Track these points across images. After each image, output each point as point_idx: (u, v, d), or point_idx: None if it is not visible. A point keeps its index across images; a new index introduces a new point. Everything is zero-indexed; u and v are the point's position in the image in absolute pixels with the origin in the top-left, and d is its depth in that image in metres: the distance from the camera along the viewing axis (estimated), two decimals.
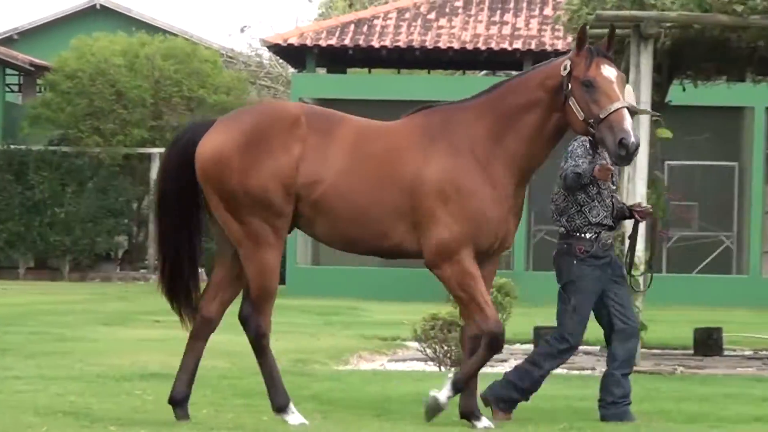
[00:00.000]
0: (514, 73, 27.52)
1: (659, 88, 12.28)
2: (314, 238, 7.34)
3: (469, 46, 24.25)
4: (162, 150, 26.02)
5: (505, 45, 24.25)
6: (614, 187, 7.80)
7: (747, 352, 13.48)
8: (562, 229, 7.67)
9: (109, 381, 8.83)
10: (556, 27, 22.39)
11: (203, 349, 7.29)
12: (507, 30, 24.66)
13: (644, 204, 7.78)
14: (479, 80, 27.30)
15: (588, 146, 7.49)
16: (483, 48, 24.24)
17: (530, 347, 13.32)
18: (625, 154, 6.89)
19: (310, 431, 6.96)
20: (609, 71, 7.05)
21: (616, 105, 6.96)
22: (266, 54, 32.53)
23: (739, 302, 21.33)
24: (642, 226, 8.80)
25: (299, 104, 7.29)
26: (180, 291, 7.30)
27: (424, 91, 23.29)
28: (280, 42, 24.49)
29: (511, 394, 7.55)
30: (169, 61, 26.15)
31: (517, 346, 13.66)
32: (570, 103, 7.04)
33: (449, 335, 10.64)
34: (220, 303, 7.25)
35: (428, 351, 10.84)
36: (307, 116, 7.13)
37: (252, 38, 45.89)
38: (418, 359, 11.67)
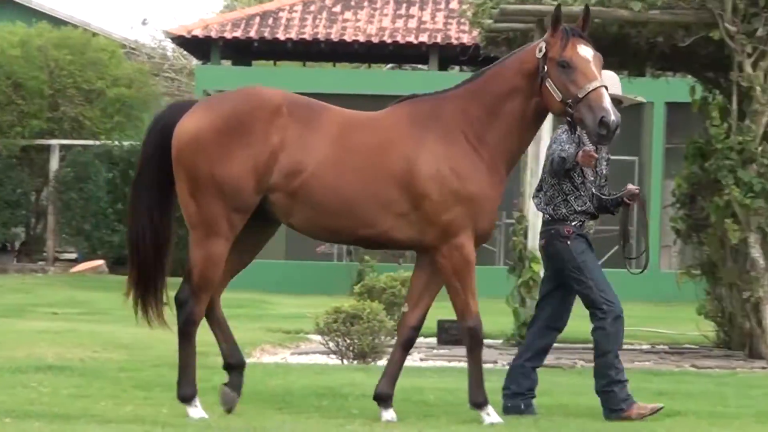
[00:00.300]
0: (420, 66, 27.75)
1: None
2: (291, 227, 7.18)
3: (375, 40, 24.24)
4: (61, 142, 25.67)
5: (411, 38, 24.27)
6: (604, 173, 7.76)
7: (644, 346, 13.64)
8: (548, 216, 7.63)
9: (5, 373, 8.64)
10: (462, 21, 22.47)
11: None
12: (413, 23, 24.70)
13: (630, 186, 7.79)
14: (385, 74, 27.32)
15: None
16: (389, 41, 24.25)
17: (434, 340, 13.36)
18: (606, 133, 6.77)
19: (211, 424, 6.88)
20: (585, 51, 6.98)
21: (595, 84, 6.86)
22: (170, 46, 32.16)
23: (637, 296, 21.55)
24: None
25: (282, 92, 7.12)
26: (148, 284, 7.16)
27: (330, 83, 23.22)
28: (185, 34, 24.24)
29: (613, 389, 7.46)
30: (63, 51, 25.68)
31: (421, 339, 13.67)
32: (547, 84, 6.95)
33: (352, 328, 10.62)
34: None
35: (331, 344, 10.80)
36: (289, 105, 7.02)
37: (156, 30, 45.46)
38: (320, 352, 11.62)
